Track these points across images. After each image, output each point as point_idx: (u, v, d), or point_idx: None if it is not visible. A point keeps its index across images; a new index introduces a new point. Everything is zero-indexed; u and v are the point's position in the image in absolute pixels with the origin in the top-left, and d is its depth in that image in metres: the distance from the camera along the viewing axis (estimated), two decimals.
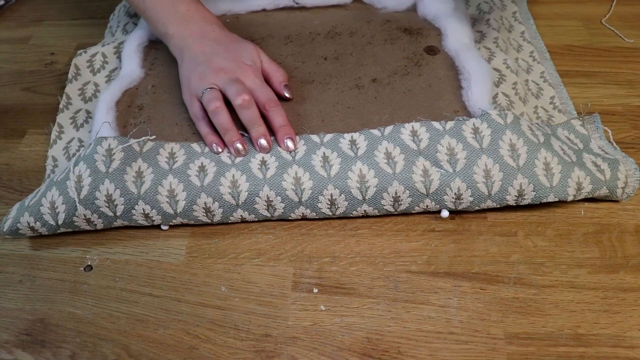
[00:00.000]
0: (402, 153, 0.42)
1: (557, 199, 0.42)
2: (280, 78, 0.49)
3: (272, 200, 0.42)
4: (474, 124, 0.43)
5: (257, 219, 0.44)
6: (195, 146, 0.45)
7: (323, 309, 0.40)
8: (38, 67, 0.62)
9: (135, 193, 0.42)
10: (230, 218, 0.44)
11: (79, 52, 0.58)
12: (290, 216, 0.44)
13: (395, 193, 0.42)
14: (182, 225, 0.45)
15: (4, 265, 0.44)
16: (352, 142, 0.44)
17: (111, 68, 0.57)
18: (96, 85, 0.56)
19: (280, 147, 0.44)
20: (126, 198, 0.42)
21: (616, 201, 0.45)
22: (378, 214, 0.44)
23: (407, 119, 0.46)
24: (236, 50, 0.49)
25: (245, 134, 0.45)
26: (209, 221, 0.44)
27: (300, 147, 0.44)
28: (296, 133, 0.45)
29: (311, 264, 0.43)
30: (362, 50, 0.54)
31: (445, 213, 0.44)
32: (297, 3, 0.60)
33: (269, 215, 0.44)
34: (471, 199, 0.42)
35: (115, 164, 0.42)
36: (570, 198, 0.42)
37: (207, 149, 0.45)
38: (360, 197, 0.42)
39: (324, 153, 0.43)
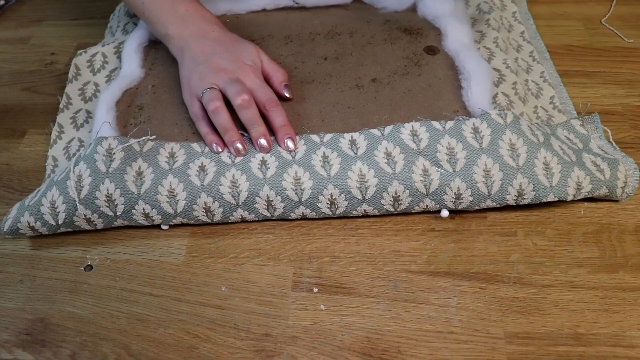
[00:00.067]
0: (402, 153, 0.42)
1: (556, 199, 0.42)
2: (281, 78, 0.49)
3: (272, 200, 0.42)
4: (473, 124, 0.43)
5: (257, 219, 0.45)
6: (196, 146, 0.45)
7: (323, 308, 0.40)
8: (38, 67, 0.62)
9: (136, 193, 0.42)
10: (230, 218, 0.44)
11: (79, 52, 0.58)
12: (290, 216, 0.44)
13: (395, 193, 0.42)
14: (182, 225, 0.45)
15: (4, 265, 0.44)
16: (352, 142, 0.44)
17: (111, 68, 0.57)
18: (96, 85, 0.56)
19: (280, 147, 0.44)
20: (126, 198, 0.42)
21: (616, 201, 0.45)
22: (378, 213, 0.44)
23: (407, 119, 0.46)
24: (236, 50, 0.49)
25: (246, 134, 0.45)
26: (209, 221, 0.44)
27: (300, 146, 0.44)
28: (296, 133, 0.45)
29: (311, 264, 0.43)
30: (362, 50, 0.54)
31: (445, 213, 0.44)
32: (297, 3, 0.60)
33: (269, 215, 0.44)
34: (471, 198, 0.42)
35: (115, 164, 0.42)
36: (570, 198, 0.42)
37: (207, 149, 0.45)
38: (360, 197, 0.42)
39: (324, 153, 0.43)
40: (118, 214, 0.43)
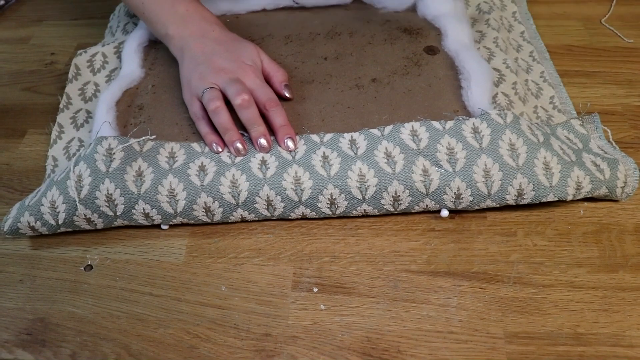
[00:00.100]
0: (402, 153, 0.42)
1: (556, 199, 0.42)
2: (281, 78, 0.49)
3: (272, 200, 0.42)
4: (473, 124, 0.43)
5: (257, 219, 0.45)
6: (196, 146, 0.45)
7: (323, 308, 0.40)
8: (38, 67, 0.62)
9: (136, 193, 0.42)
10: (230, 217, 0.44)
11: (79, 52, 0.58)
12: (290, 216, 0.44)
13: (395, 192, 0.42)
14: (182, 224, 0.45)
15: (4, 264, 0.44)
16: (352, 142, 0.44)
17: (111, 68, 0.57)
18: (96, 85, 0.56)
19: (280, 146, 0.44)
20: (126, 198, 0.42)
21: (615, 201, 0.45)
22: (378, 213, 0.44)
23: (406, 119, 0.46)
24: (236, 50, 0.49)
25: (246, 134, 0.45)
26: (209, 221, 0.44)
27: (300, 146, 0.44)
28: (296, 133, 0.45)
29: (311, 264, 0.43)
30: (362, 50, 0.54)
31: (445, 212, 0.44)
32: (297, 3, 0.60)
33: (269, 214, 0.44)
34: (471, 198, 0.42)
35: (115, 164, 0.42)
36: (569, 197, 0.42)
37: (207, 149, 0.45)
38: (360, 197, 0.42)
39: (324, 153, 0.43)
40: (118, 213, 0.43)
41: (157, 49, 0.56)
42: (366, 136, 0.44)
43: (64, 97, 0.55)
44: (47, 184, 0.44)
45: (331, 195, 0.42)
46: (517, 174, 0.41)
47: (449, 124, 0.44)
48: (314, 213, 0.44)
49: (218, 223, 0.45)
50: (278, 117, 0.45)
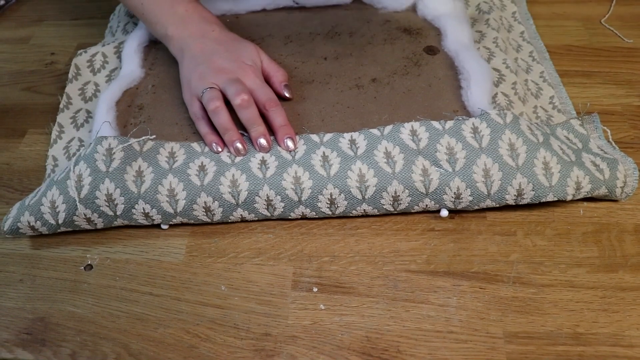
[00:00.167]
0: (402, 152, 0.43)
1: (556, 199, 0.42)
2: (281, 78, 0.49)
3: (271, 200, 0.42)
4: (473, 124, 0.43)
5: (257, 218, 0.45)
6: (195, 146, 0.45)
7: (323, 308, 0.40)
8: (38, 67, 0.62)
9: (136, 192, 0.42)
10: (230, 217, 0.44)
11: (79, 52, 0.58)
12: (290, 215, 0.44)
13: (395, 192, 0.42)
14: (182, 224, 0.45)
15: (4, 264, 0.45)
16: (352, 142, 0.44)
17: (111, 68, 0.57)
18: (96, 85, 0.56)
19: (280, 146, 0.44)
20: (126, 197, 0.42)
21: (615, 201, 0.45)
22: (377, 213, 0.44)
23: (406, 119, 0.46)
24: (236, 50, 0.49)
25: (245, 134, 0.45)
26: (208, 220, 0.44)
27: (300, 146, 0.44)
28: (296, 133, 0.46)
29: (311, 263, 0.43)
30: (362, 50, 0.54)
31: (444, 212, 0.44)
32: (297, 3, 0.60)
33: (268, 214, 0.44)
34: (470, 198, 0.42)
35: (115, 164, 0.42)
36: (569, 197, 0.42)
37: (207, 149, 0.45)
38: (359, 197, 0.42)
39: (324, 152, 0.43)
40: (118, 213, 0.43)
41: (157, 49, 0.56)
42: (366, 136, 0.44)
43: (64, 97, 0.55)
44: (47, 183, 0.44)
45: (331, 195, 0.42)
46: (517, 174, 0.41)
47: (449, 124, 0.44)
48: (314, 213, 0.44)
49: (218, 223, 0.45)
50: (278, 117, 0.45)
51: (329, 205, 0.43)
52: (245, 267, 0.43)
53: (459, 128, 0.43)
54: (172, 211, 0.43)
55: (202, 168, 0.43)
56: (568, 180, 0.41)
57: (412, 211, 0.44)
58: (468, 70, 0.49)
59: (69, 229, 0.44)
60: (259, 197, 0.42)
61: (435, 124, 0.44)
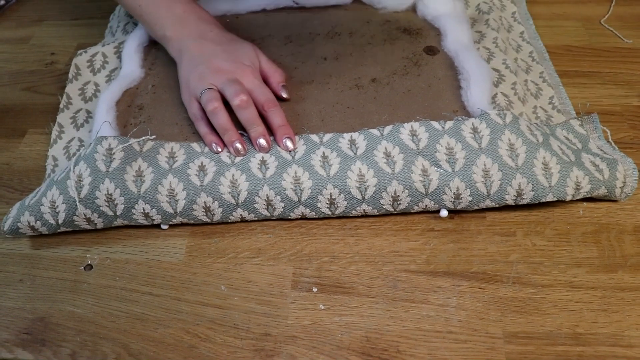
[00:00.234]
0: (402, 153, 0.43)
1: (555, 199, 0.42)
2: (278, 78, 0.49)
3: (271, 200, 0.42)
4: (473, 124, 0.43)
5: (256, 219, 0.45)
6: (195, 146, 0.45)
7: (322, 308, 0.40)
8: (38, 67, 0.62)
9: (135, 192, 0.42)
10: (230, 217, 0.44)
11: (79, 52, 0.58)
12: (290, 215, 0.44)
13: (395, 192, 0.42)
14: (182, 224, 0.45)
15: (4, 264, 0.45)
16: (352, 142, 0.44)
17: (111, 68, 0.57)
18: (96, 85, 0.56)
19: (279, 146, 0.44)
20: (126, 197, 0.42)
21: (615, 201, 0.45)
22: (377, 213, 0.44)
23: (406, 119, 0.46)
24: (234, 50, 0.49)
25: (245, 134, 0.45)
26: (208, 220, 0.44)
27: (299, 146, 0.44)
28: (296, 133, 0.46)
29: (310, 263, 0.43)
30: (362, 50, 0.54)
31: (444, 212, 0.44)
32: (297, 3, 0.60)
33: (268, 214, 0.44)
34: (470, 198, 0.42)
35: (115, 164, 0.42)
36: (569, 198, 0.42)
37: (206, 149, 0.45)
38: (359, 197, 0.42)
39: (324, 153, 0.43)
40: (118, 213, 0.43)
41: (157, 49, 0.56)
42: (366, 136, 0.44)
43: (64, 97, 0.55)
44: (47, 183, 0.44)
45: (330, 195, 0.42)
46: (517, 174, 0.41)
47: (449, 124, 0.44)
48: (314, 213, 0.44)
49: (218, 223, 0.45)
50: (276, 117, 0.45)
51: (328, 206, 0.43)
52: (245, 267, 0.43)
53: (459, 128, 0.43)
54: (172, 211, 0.43)
55: (202, 168, 0.43)
56: (567, 180, 0.41)
57: (412, 211, 0.44)
58: (468, 71, 0.49)
59: (69, 229, 0.44)
60: (259, 197, 0.42)
61: (435, 124, 0.44)
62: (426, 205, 0.43)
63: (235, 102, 0.44)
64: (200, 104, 0.46)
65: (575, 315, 0.39)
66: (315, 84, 0.51)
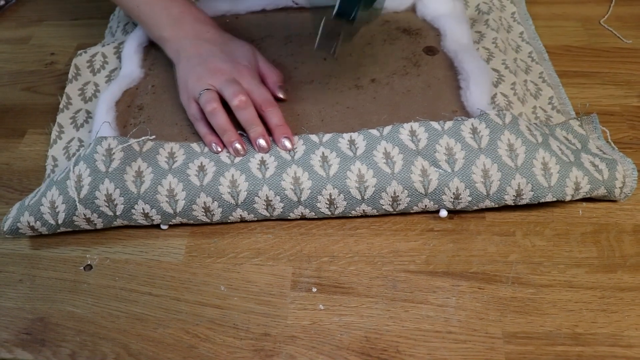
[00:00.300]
0: (401, 153, 0.43)
1: (555, 199, 0.42)
2: (275, 79, 0.49)
3: (271, 200, 0.42)
4: (472, 124, 0.43)
5: (256, 219, 0.45)
6: (195, 146, 0.45)
7: (322, 308, 0.40)
8: (38, 67, 0.62)
9: (135, 193, 0.42)
10: (230, 217, 0.44)
11: (79, 52, 0.58)
12: (290, 216, 0.44)
13: (394, 193, 0.42)
14: (182, 224, 0.45)
15: (4, 264, 0.45)
16: (351, 142, 0.44)
17: (111, 68, 0.57)
18: (96, 85, 0.56)
19: (277, 146, 0.44)
20: (126, 198, 0.42)
21: (614, 201, 0.45)
22: (377, 213, 0.44)
23: (406, 119, 0.46)
24: (232, 50, 0.49)
25: (244, 134, 0.45)
26: (208, 221, 0.44)
27: (299, 146, 0.44)
28: (295, 133, 0.46)
29: (310, 264, 0.43)
30: (361, 51, 0.54)
31: (443, 213, 0.44)
32: (296, 3, 0.60)
33: (268, 214, 0.44)
34: (469, 198, 0.42)
35: (115, 164, 0.42)
36: (568, 198, 0.42)
37: (206, 149, 0.45)
38: (359, 197, 0.42)
39: (323, 153, 0.43)
40: (118, 213, 0.43)
41: (156, 49, 0.56)
42: (365, 136, 0.44)
43: (64, 97, 0.55)
44: (46, 183, 0.44)
45: (330, 196, 0.42)
46: (516, 174, 0.41)
47: (448, 124, 0.44)
48: (313, 213, 0.44)
49: (217, 223, 0.45)
50: (274, 117, 0.45)
51: (328, 206, 0.43)
52: (244, 267, 0.43)
53: (458, 128, 0.43)
54: (171, 211, 0.43)
55: (201, 168, 0.43)
56: (567, 180, 0.41)
57: (411, 211, 0.44)
58: (467, 71, 0.49)
59: (69, 229, 0.44)
60: (259, 197, 0.42)
61: (435, 124, 0.44)
62: (425, 206, 0.43)
63: (234, 102, 0.44)
64: (199, 105, 0.46)
65: (574, 315, 0.39)
66: (315, 84, 0.51)
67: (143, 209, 0.42)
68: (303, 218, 0.45)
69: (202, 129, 0.46)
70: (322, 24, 0.38)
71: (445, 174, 0.42)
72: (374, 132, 0.44)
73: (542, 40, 0.59)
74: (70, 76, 0.56)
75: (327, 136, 0.45)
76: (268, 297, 0.41)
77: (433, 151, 0.42)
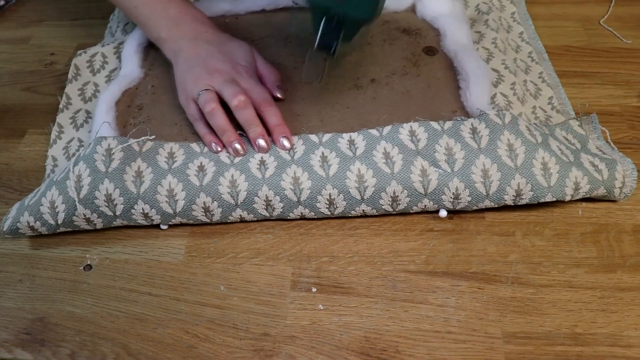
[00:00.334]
0: (401, 153, 0.43)
1: (554, 199, 0.42)
2: (273, 78, 0.49)
3: (270, 200, 0.42)
4: (472, 124, 0.43)
5: (256, 219, 0.45)
6: (195, 146, 0.45)
7: (321, 308, 0.40)
8: (38, 67, 0.62)
9: (135, 193, 0.42)
10: (229, 218, 0.44)
11: (78, 52, 0.58)
12: (289, 216, 0.44)
13: (394, 193, 0.42)
14: (181, 224, 0.45)
15: (4, 264, 0.45)
16: (351, 142, 0.44)
17: (111, 68, 0.57)
18: (96, 85, 0.56)
19: (276, 146, 0.44)
20: (125, 198, 0.42)
21: (614, 201, 0.45)
22: (376, 213, 0.44)
23: (405, 119, 0.46)
24: (230, 50, 0.49)
25: (243, 134, 0.45)
26: (208, 221, 0.44)
27: (299, 146, 0.44)
28: (295, 133, 0.46)
29: (310, 264, 0.43)
30: (361, 51, 0.54)
31: (443, 213, 0.44)
32: (296, 4, 0.60)
33: (267, 214, 0.44)
34: (469, 198, 0.42)
35: (114, 164, 0.42)
36: (568, 198, 0.42)
37: (206, 149, 0.45)
38: (358, 197, 0.42)
39: (323, 153, 0.43)
40: (117, 213, 0.43)
41: (156, 50, 0.56)
42: (365, 136, 0.44)
43: (64, 97, 0.55)
44: (46, 184, 0.44)
45: (330, 196, 0.42)
46: (516, 174, 0.41)
47: (448, 124, 0.44)
48: (313, 213, 0.44)
49: (217, 223, 0.45)
50: (273, 116, 0.45)
51: (327, 206, 0.43)
52: (244, 267, 0.43)
53: (458, 128, 0.43)
54: (171, 211, 0.43)
55: (201, 168, 0.43)
56: (567, 180, 0.41)
57: (411, 211, 0.44)
58: (467, 71, 0.49)
59: (69, 229, 0.44)
60: (258, 197, 0.42)
61: (434, 124, 0.44)
62: (425, 206, 0.43)
63: (234, 103, 0.44)
64: (197, 105, 0.46)
65: (574, 315, 0.39)
66: (315, 84, 0.51)
67: (143, 209, 0.42)
68: (303, 218, 0.45)
69: (201, 129, 0.46)
70: (307, 55, 0.40)
71: (444, 174, 0.42)
72: (374, 132, 0.44)
73: (542, 41, 0.59)
74: (70, 76, 0.56)
75: (327, 136, 0.45)
76: (268, 297, 0.41)
77: (433, 151, 0.42)
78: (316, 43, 0.39)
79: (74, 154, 0.50)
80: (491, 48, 0.55)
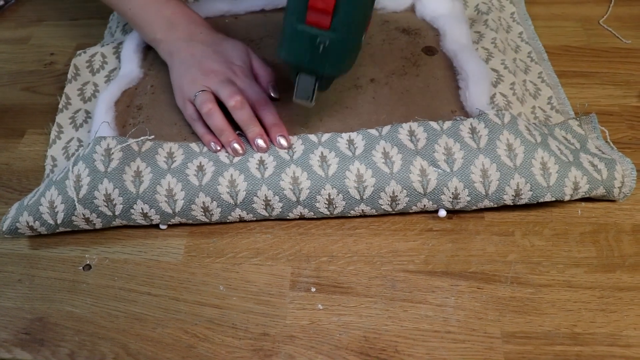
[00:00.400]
0: (400, 153, 0.43)
1: (554, 199, 0.42)
2: (268, 78, 0.49)
3: (270, 200, 0.42)
4: (471, 124, 0.43)
5: (255, 219, 0.45)
6: (194, 146, 0.45)
7: (321, 308, 0.40)
8: (38, 67, 0.62)
9: (134, 192, 0.42)
10: (229, 217, 0.44)
11: (78, 52, 0.58)
12: (289, 216, 0.44)
13: (393, 193, 0.42)
14: (181, 224, 0.45)
15: (3, 264, 0.45)
16: (350, 142, 0.44)
17: (110, 68, 0.57)
18: (95, 85, 0.56)
19: (273, 145, 0.44)
20: (125, 197, 0.42)
21: (613, 201, 0.45)
22: (376, 213, 0.44)
23: (404, 119, 0.46)
24: (225, 50, 0.49)
25: (242, 134, 0.45)
26: (207, 220, 0.44)
27: (298, 146, 0.44)
28: (294, 133, 0.46)
29: (309, 263, 0.43)
30: (361, 51, 0.54)
31: (442, 212, 0.44)
32: None
33: (267, 214, 0.44)
34: (468, 198, 0.42)
35: (114, 164, 0.42)
36: (567, 198, 0.42)
37: (205, 149, 0.45)
38: (357, 197, 0.42)
39: (322, 153, 0.43)
40: (116, 213, 0.43)
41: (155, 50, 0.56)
42: (364, 136, 0.44)
43: (63, 97, 0.55)
44: (46, 183, 0.44)
45: (329, 195, 0.42)
46: (515, 174, 0.41)
47: (447, 124, 0.44)
48: (312, 213, 0.44)
49: (216, 223, 0.45)
50: (269, 115, 0.45)
51: (327, 206, 0.43)
52: (243, 267, 0.43)
53: (457, 128, 0.43)
54: (170, 211, 0.43)
55: (200, 168, 0.43)
56: (566, 180, 0.41)
57: (410, 211, 0.44)
58: (466, 71, 0.49)
59: (68, 229, 0.44)
60: (257, 197, 0.42)
61: (434, 124, 0.44)
62: (424, 205, 0.43)
63: (230, 103, 0.44)
64: (195, 106, 0.46)
65: (573, 315, 0.39)
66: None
67: (142, 209, 0.42)
68: (302, 218, 0.45)
69: (199, 129, 0.46)
70: (296, 79, 0.41)
71: (444, 174, 0.42)
72: (373, 131, 0.45)
73: (541, 41, 0.59)
74: (69, 76, 0.56)
75: (326, 136, 0.45)
76: (267, 297, 0.41)
77: (432, 151, 0.42)
78: (294, 95, 0.41)
79: (73, 154, 0.50)
80: (490, 48, 0.55)
